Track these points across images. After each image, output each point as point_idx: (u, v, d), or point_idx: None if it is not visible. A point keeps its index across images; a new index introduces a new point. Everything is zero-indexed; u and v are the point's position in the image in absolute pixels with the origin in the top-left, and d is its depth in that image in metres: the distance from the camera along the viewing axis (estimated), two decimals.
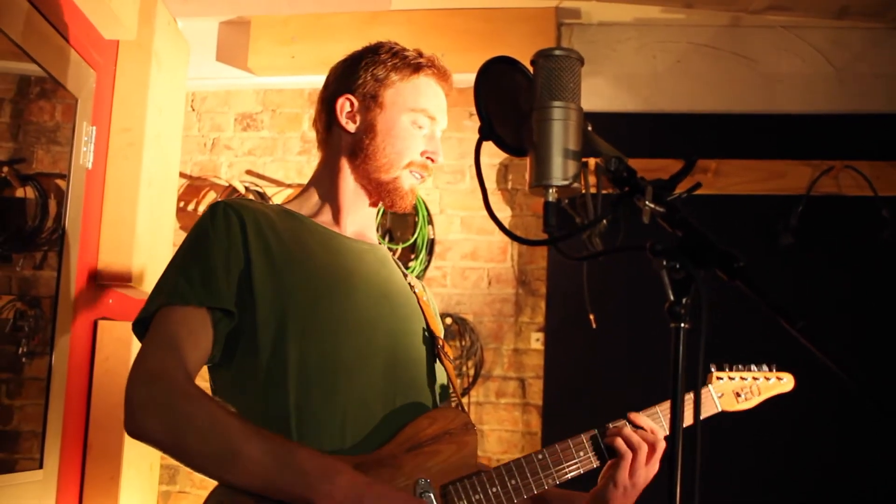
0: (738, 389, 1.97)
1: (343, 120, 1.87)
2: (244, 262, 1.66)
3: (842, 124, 3.89)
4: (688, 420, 1.35)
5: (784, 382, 2.02)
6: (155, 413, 1.52)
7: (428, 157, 1.86)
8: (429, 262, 3.97)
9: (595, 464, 1.79)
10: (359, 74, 1.87)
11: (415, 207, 3.97)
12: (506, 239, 3.92)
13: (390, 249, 3.99)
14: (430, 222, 3.99)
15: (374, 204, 1.91)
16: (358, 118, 1.86)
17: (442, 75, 1.91)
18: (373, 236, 1.93)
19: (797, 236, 3.79)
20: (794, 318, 1.17)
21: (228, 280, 1.63)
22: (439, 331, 1.89)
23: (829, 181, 3.84)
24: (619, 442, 1.76)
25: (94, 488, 3.06)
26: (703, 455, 1.19)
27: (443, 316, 3.91)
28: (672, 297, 1.24)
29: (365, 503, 1.47)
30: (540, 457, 1.73)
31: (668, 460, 1.22)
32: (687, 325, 1.23)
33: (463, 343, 3.91)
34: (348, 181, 1.87)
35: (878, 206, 3.74)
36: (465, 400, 3.86)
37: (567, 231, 1.42)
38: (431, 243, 3.99)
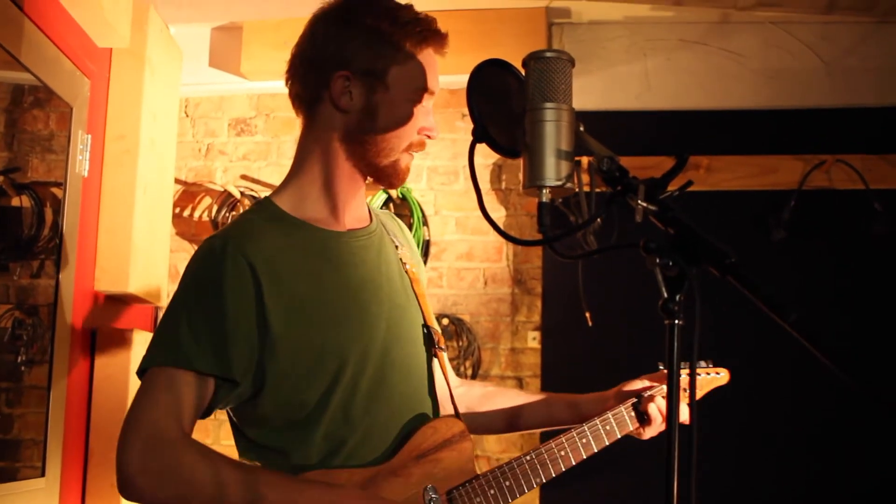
0: (684, 385, 2.05)
1: (339, 99, 1.69)
2: (259, 316, 1.58)
3: (832, 119, 3.90)
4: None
5: (721, 377, 2.15)
6: (157, 481, 1.51)
7: (426, 134, 1.74)
8: (424, 263, 3.99)
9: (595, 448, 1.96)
10: (357, 47, 1.69)
11: (409, 209, 3.98)
12: (501, 239, 3.93)
13: None
14: (425, 223, 4.00)
15: (364, 183, 1.80)
16: (356, 98, 1.69)
17: (443, 43, 1.75)
18: (365, 214, 1.84)
19: (789, 231, 3.80)
20: (786, 312, 1.19)
21: (240, 346, 1.56)
22: (432, 318, 1.86)
23: (821, 175, 3.85)
24: (652, 409, 1.97)
25: (95, 495, 3.07)
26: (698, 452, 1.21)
27: (439, 317, 3.92)
28: (666, 294, 1.26)
29: None
30: (528, 458, 1.82)
31: (665, 457, 1.24)
32: (681, 322, 1.25)
33: (460, 343, 3.92)
34: (343, 167, 1.73)
35: (870, 199, 3.75)
36: None
37: (561, 231, 1.44)
38: (427, 245, 4.00)
